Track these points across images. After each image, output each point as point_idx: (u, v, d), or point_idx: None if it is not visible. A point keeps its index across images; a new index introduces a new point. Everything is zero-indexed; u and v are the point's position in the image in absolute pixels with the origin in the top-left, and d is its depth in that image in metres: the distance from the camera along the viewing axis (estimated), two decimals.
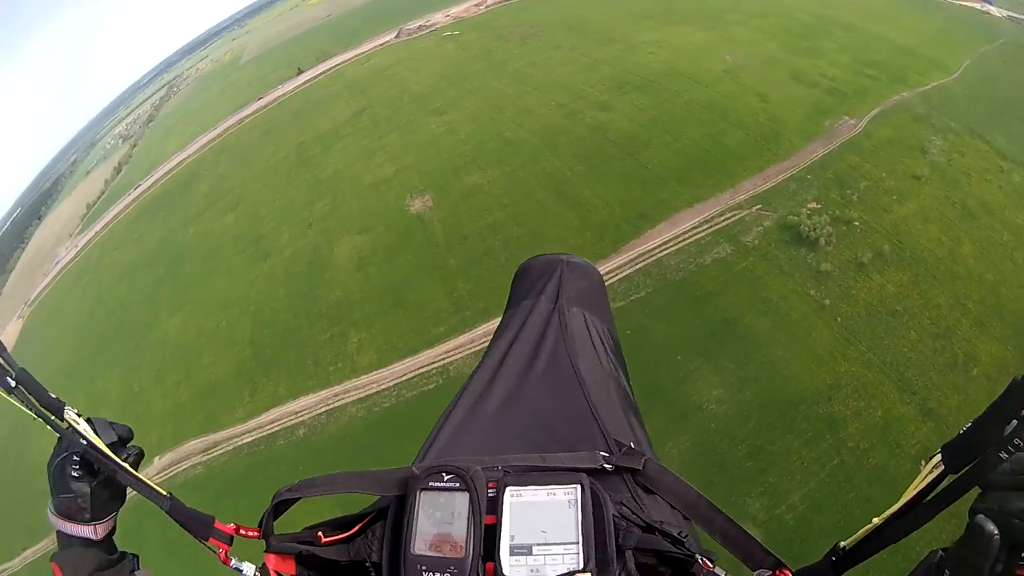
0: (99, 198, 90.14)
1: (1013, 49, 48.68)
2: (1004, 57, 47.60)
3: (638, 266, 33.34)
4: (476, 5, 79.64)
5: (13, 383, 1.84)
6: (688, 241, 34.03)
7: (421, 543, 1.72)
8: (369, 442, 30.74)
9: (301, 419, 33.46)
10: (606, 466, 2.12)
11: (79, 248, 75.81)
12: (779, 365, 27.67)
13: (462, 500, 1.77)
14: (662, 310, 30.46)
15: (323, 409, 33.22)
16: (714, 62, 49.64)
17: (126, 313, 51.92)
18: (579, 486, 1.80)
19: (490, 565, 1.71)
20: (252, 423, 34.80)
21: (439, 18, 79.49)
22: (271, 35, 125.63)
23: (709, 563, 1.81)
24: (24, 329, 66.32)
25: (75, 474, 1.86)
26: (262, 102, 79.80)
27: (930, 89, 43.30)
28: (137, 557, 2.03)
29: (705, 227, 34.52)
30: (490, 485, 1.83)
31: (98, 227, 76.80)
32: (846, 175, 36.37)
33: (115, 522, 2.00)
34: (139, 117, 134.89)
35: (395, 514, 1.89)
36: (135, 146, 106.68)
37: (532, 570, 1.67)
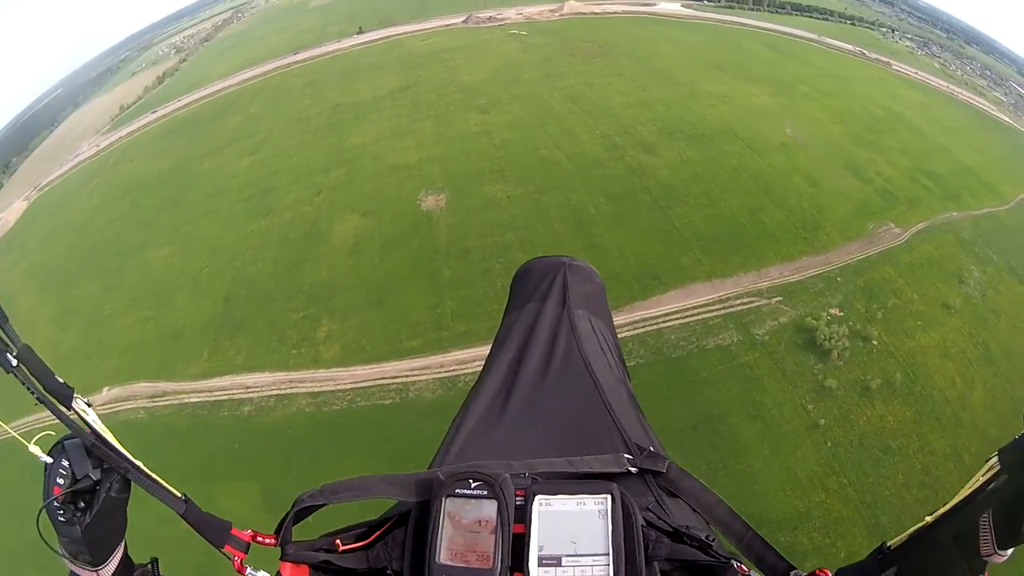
0: (134, 103, 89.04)
1: None
2: None
3: (637, 331, 31.42)
4: (552, 10, 77.92)
5: (14, 361, 1.60)
6: (696, 318, 32.16)
7: (446, 552, 1.68)
8: (310, 441, 29.31)
9: (250, 395, 32.04)
10: (631, 469, 2.09)
11: (100, 148, 74.81)
12: (754, 478, 26.08)
13: (490, 508, 1.72)
14: (648, 386, 28.15)
15: (274, 392, 31.66)
16: (773, 131, 47.89)
17: (122, 228, 50.65)
18: (609, 496, 1.74)
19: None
20: (203, 384, 33.42)
21: (511, 14, 77.80)
22: None
23: (744, 567, 1.82)
24: (26, 212, 65.42)
25: (61, 518, 1.64)
26: (315, 52, 78.48)
27: (981, 215, 42.38)
28: (156, 561, 1.91)
29: (718, 307, 32.65)
30: (518, 493, 1.77)
31: (124, 132, 75.83)
32: (877, 287, 34.90)
33: (123, 552, 1.79)
34: (197, 33, 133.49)
35: (418, 521, 1.85)
36: (184, 61, 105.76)
37: None
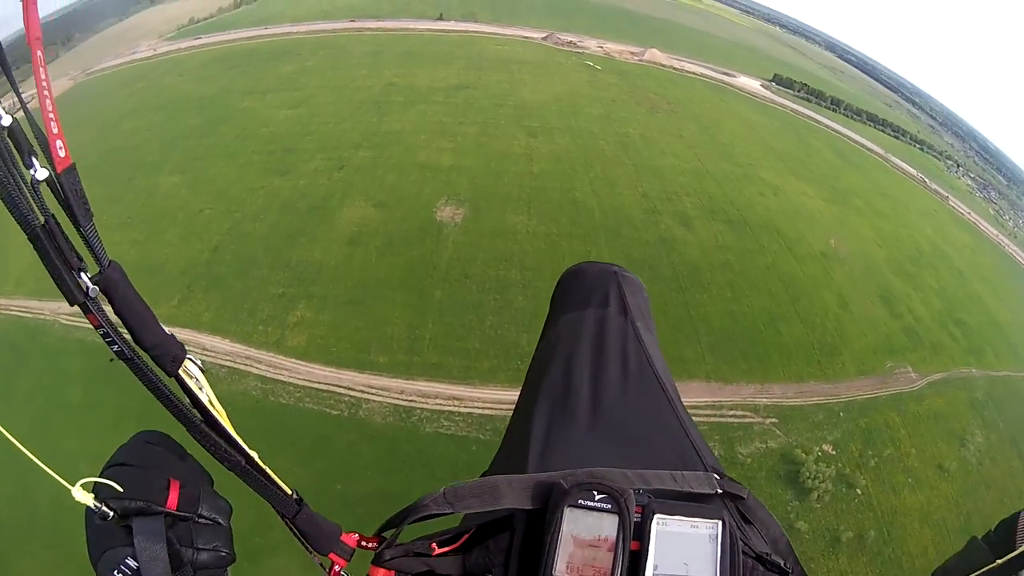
0: (205, 19, 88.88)
1: None
2: None
3: None
4: (633, 52, 76.56)
5: (91, 287, 1.16)
6: None
7: (563, 565, 1.61)
8: (248, 426, 26.34)
9: (204, 357, 29.62)
10: (718, 490, 2.09)
11: (156, 52, 74.09)
12: None
13: (610, 523, 1.66)
14: None
15: (228, 363, 29.83)
16: (816, 238, 46.10)
17: (145, 141, 49.31)
18: (721, 522, 1.72)
19: None
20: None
21: (592, 44, 76.60)
22: None
23: None
24: (66, 93, 63.74)
25: None
26: (389, 24, 77.73)
27: (999, 376, 41.19)
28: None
29: (708, 412, 30.49)
30: (636, 510, 1.71)
31: (183, 44, 75.34)
32: (878, 432, 33.06)
33: None
34: None
35: (530, 527, 1.78)
36: None
37: None
